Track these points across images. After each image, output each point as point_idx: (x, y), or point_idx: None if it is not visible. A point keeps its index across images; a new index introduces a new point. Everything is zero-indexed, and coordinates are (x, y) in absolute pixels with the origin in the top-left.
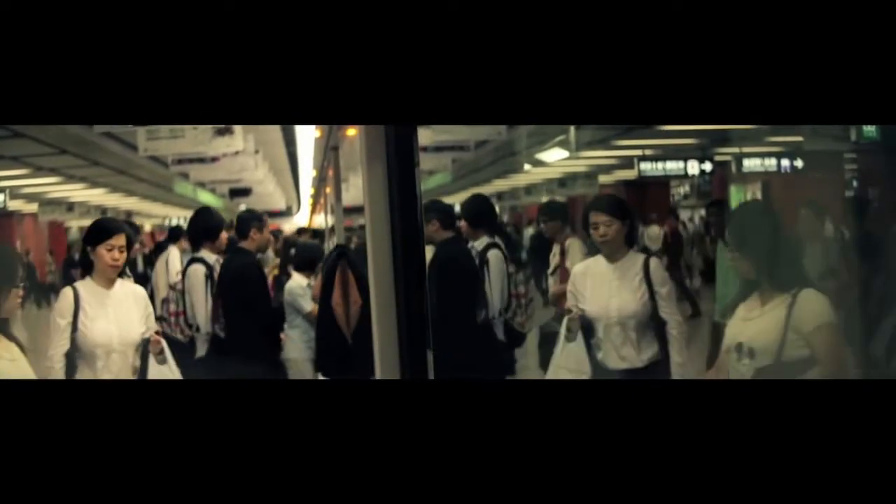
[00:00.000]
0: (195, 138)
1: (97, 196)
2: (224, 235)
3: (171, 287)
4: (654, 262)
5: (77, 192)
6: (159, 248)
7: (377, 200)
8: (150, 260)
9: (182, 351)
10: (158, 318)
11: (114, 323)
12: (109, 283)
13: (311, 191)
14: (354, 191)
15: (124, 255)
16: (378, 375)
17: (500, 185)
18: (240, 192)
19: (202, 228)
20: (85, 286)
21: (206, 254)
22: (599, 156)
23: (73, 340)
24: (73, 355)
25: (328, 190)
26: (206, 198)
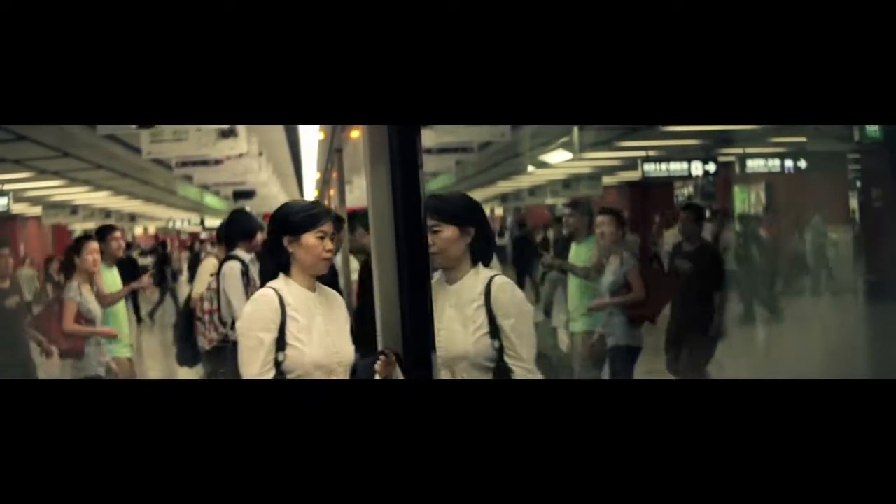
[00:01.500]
0: (199, 141)
1: (101, 199)
2: (259, 237)
3: (207, 287)
4: (498, 283)
5: (81, 195)
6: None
7: (381, 202)
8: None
9: (218, 351)
10: (196, 318)
11: (330, 335)
12: (313, 284)
13: (315, 193)
14: (358, 192)
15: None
16: None
17: (504, 186)
18: (244, 194)
19: (239, 229)
20: (287, 288)
21: (240, 253)
22: (603, 157)
23: (279, 361)
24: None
25: (332, 192)
26: (210, 200)
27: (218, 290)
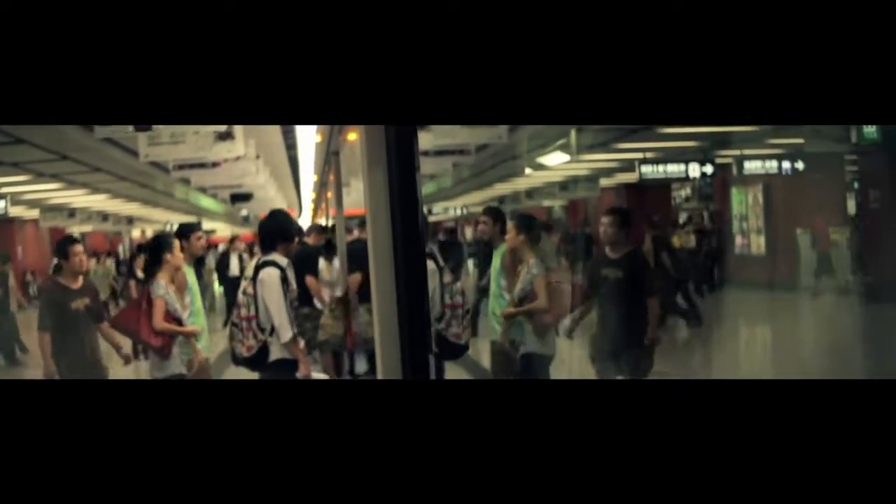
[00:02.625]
0: (196, 143)
1: (98, 202)
2: (297, 239)
3: (242, 292)
4: None
5: (79, 198)
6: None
7: (378, 204)
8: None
9: (256, 358)
10: (233, 325)
11: None
12: None
13: (313, 195)
14: (355, 195)
15: None
16: (380, 376)
17: (502, 188)
18: (241, 197)
19: (278, 230)
20: None
21: (277, 257)
22: (600, 159)
23: None
24: None
25: (329, 194)
26: (206, 202)
27: (255, 296)
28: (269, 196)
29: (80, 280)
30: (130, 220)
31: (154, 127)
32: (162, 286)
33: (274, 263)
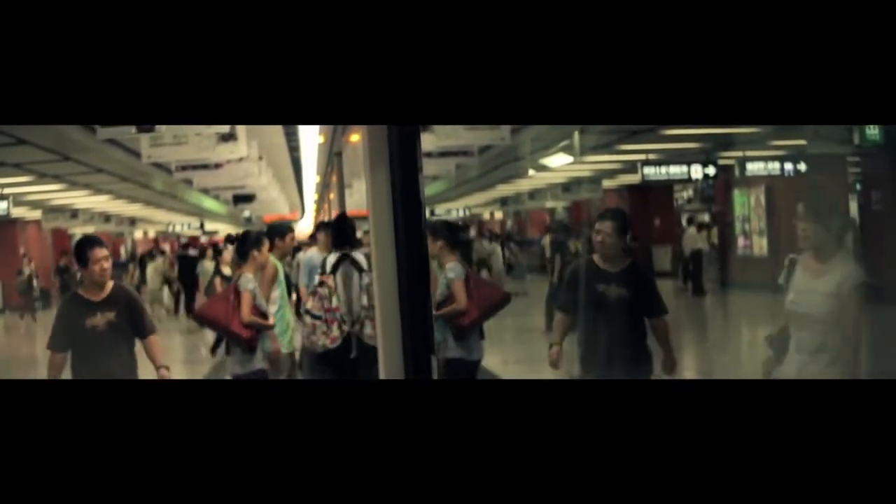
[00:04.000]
0: (198, 144)
1: (101, 202)
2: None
3: (320, 284)
4: None
5: (81, 199)
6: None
7: (381, 205)
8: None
9: (340, 349)
10: (313, 317)
11: None
12: None
13: (315, 196)
14: (358, 196)
15: None
16: (382, 376)
17: (504, 190)
18: (243, 198)
19: (350, 231)
20: None
21: (351, 251)
22: (603, 160)
23: None
24: None
25: (332, 195)
26: (208, 203)
27: (336, 288)
28: (272, 197)
29: (106, 290)
30: (133, 221)
31: (157, 128)
32: (251, 280)
33: (349, 257)
